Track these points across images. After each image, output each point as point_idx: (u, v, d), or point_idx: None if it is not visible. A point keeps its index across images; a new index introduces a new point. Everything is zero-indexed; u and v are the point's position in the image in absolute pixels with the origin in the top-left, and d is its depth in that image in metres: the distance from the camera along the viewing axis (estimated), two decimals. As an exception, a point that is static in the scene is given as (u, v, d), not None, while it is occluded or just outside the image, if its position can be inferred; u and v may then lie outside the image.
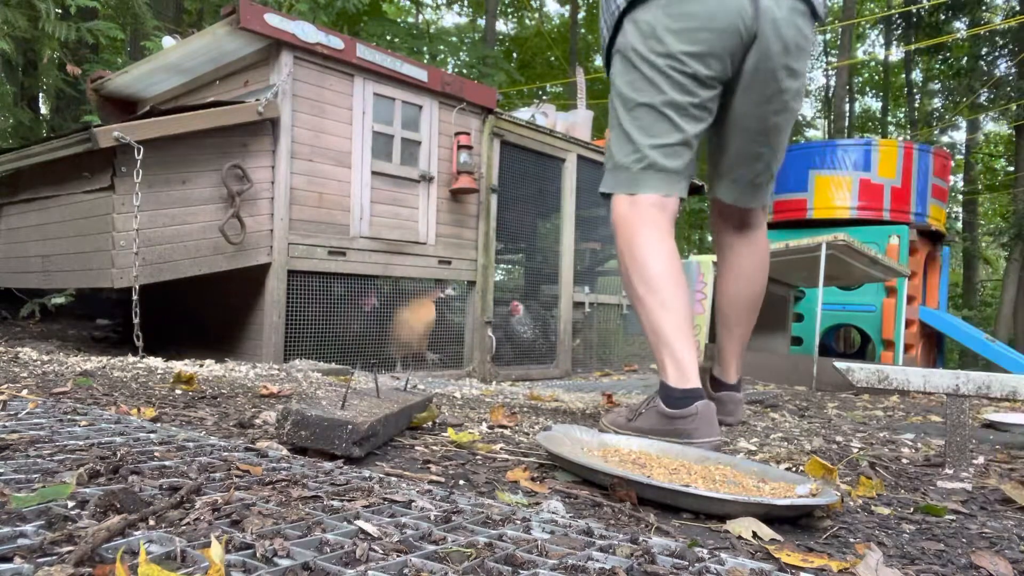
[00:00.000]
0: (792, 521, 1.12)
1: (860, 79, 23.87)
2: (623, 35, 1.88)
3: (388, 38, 12.27)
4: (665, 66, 1.80)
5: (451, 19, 27.70)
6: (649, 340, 1.84)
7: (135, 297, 2.81)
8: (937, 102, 20.52)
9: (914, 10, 15.22)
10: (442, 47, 13.48)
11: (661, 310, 1.78)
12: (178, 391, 1.92)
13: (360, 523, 0.82)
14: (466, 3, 21.59)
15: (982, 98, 15.80)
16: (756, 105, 1.88)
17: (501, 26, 21.12)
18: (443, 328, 3.99)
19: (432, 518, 0.88)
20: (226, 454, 1.14)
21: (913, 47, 16.54)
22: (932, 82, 20.73)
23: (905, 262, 6.71)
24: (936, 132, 19.52)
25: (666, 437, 1.66)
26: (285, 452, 1.23)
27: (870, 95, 25.43)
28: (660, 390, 1.77)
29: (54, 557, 0.63)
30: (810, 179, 7.45)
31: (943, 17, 14.98)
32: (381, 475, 1.12)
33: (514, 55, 19.97)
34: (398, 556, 0.72)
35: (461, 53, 14.27)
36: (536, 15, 22.17)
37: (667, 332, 1.76)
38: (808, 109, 27.37)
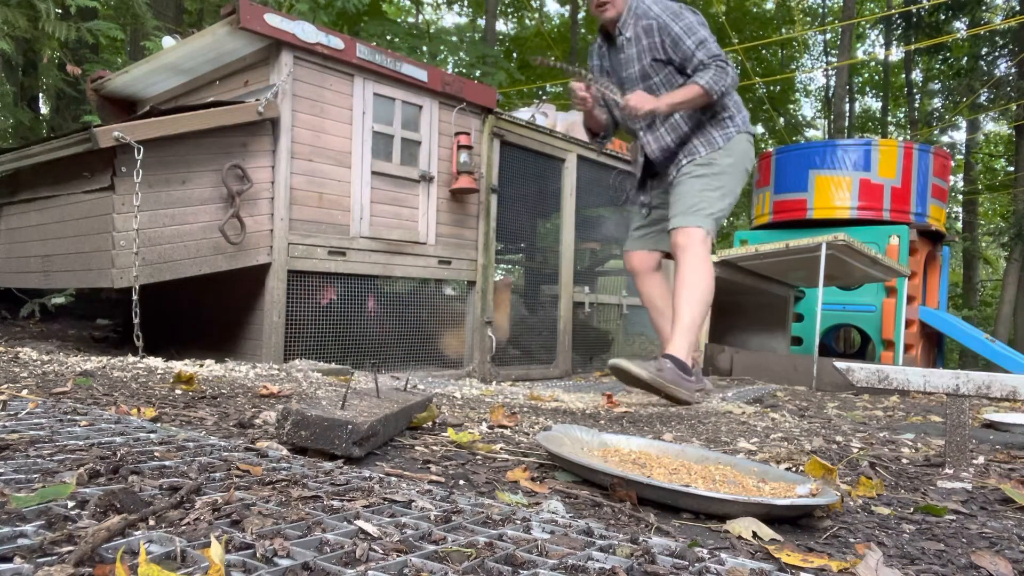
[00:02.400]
0: (792, 521, 1.12)
1: (860, 79, 23.84)
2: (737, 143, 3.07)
3: (388, 38, 12.25)
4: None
5: (451, 19, 27.70)
6: (684, 326, 2.87)
7: (135, 297, 2.80)
8: (937, 102, 20.48)
9: (914, 10, 15.19)
10: (442, 47, 13.44)
11: (703, 316, 2.96)
12: (178, 391, 1.92)
13: (360, 523, 0.82)
14: (466, 3, 21.56)
15: (982, 98, 15.78)
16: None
17: (501, 26, 21.09)
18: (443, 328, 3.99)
19: (432, 518, 0.88)
20: (226, 454, 1.14)
21: (913, 47, 16.51)
22: (932, 82, 20.69)
23: (905, 262, 6.70)
24: (936, 132, 19.48)
25: (680, 384, 2.78)
26: (285, 452, 1.23)
27: (870, 95, 25.40)
28: (672, 361, 2.82)
29: (54, 557, 0.63)
30: (810, 179, 7.44)
31: (943, 17, 14.94)
32: (381, 475, 1.12)
33: (514, 55, 19.93)
34: (398, 556, 0.72)
35: (461, 53, 14.24)
36: (536, 15, 22.15)
37: (697, 331, 2.93)
38: (808, 109, 27.39)
